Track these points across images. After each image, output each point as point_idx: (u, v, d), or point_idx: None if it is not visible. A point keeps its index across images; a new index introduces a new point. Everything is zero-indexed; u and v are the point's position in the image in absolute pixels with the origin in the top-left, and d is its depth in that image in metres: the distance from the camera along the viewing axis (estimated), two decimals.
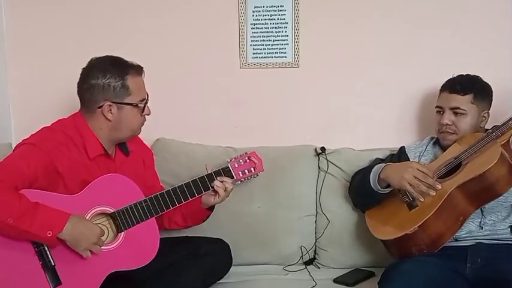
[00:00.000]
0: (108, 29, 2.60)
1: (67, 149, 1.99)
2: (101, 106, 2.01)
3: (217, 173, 2.12)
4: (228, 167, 2.14)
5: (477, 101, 2.19)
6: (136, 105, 2.05)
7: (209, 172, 2.12)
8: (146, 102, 2.09)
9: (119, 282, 1.99)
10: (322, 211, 2.44)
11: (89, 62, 2.05)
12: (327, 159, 2.49)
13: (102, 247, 1.94)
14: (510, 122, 2.06)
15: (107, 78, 1.99)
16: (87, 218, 1.95)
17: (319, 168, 2.50)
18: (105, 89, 2.00)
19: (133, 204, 2.00)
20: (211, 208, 2.21)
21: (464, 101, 2.18)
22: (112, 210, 1.99)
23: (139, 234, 2.00)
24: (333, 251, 2.42)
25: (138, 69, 2.06)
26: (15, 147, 2.01)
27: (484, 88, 2.23)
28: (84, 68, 2.05)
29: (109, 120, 2.03)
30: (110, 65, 2.02)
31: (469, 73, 2.25)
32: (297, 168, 2.49)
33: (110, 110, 2.02)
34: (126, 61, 2.05)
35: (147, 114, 2.11)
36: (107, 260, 1.95)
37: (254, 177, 2.20)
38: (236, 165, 2.15)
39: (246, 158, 2.18)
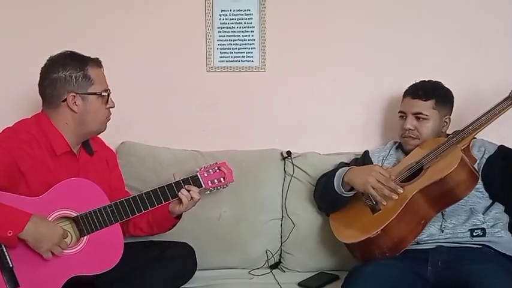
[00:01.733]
0: (73, 31, 2.56)
1: (30, 148, 1.97)
2: (65, 99, 2.00)
3: (186, 181, 2.11)
4: (197, 176, 2.13)
5: (439, 107, 2.23)
6: (100, 94, 2.04)
7: (177, 180, 2.10)
8: (109, 94, 2.08)
9: (81, 287, 1.97)
10: (287, 215, 2.46)
11: (47, 60, 2.05)
12: (292, 163, 2.50)
13: (64, 251, 1.92)
14: (470, 128, 2.10)
15: (68, 70, 1.99)
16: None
17: (285, 172, 2.51)
18: (67, 81, 1.99)
19: (97, 208, 1.98)
20: (178, 216, 2.20)
21: (426, 107, 2.22)
22: (75, 214, 1.96)
23: (103, 239, 1.98)
24: (298, 254, 2.43)
25: (96, 62, 2.07)
26: None
27: (445, 94, 2.27)
28: (43, 67, 2.04)
29: (75, 112, 2.02)
30: (68, 57, 2.03)
31: (432, 79, 2.30)
32: (263, 172, 2.50)
33: (75, 101, 2.01)
34: (84, 55, 2.06)
35: (112, 107, 2.10)
36: (68, 264, 1.93)
37: (224, 187, 2.19)
38: (205, 175, 2.14)
39: (216, 167, 2.17)
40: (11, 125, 2.04)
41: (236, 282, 2.30)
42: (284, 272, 2.44)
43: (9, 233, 1.80)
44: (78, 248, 1.96)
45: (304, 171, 2.49)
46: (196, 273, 2.25)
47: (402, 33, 2.55)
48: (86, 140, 2.13)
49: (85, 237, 1.97)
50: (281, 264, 2.47)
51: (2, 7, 2.56)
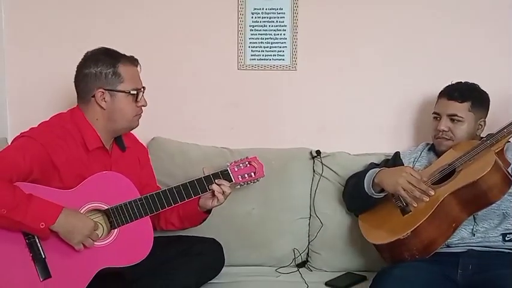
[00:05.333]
0: (106, 26, 2.60)
1: (65, 142, 2.00)
2: (94, 95, 2.03)
3: (216, 176, 2.11)
4: (227, 170, 2.13)
5: (474, 109, 2.20)
6: (128, 93, 2.05)
7: (207, 174, 2.11)
8: (139, 92, 2.08)
9: (109, 279, 1.99)
10: (315, 214, 2.45)
11: (83, 55, 2.08)
12: (322, 162, 2.49)
13: (95, 243, 1.94)
14: (505, 130, 2.08)
15: (99, 66, 2.03)
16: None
17: (314, 171, 2.50)
18: (98, 77, 2.02)
19: (128, 202, 2.00)
20: (208, 211, 2.21)
21: (461, 108, 2.19)
22: (106, 207, 1.99)
23: (133, 233, 2.00)
24: (326, 254, 2.43)
25: (131, 59, 2.08)
26: (12, 140, 2.02)
27: (481, 96, 2.24)
28: (79, 63, 2.08)
29: (103, 108, 2.04)
30: (102, 54, 2.06)
31: (467, 81, 2.27)
32: (291, 170, 2.50)
33: (104, 98, 2.04)
34: (119, 52, 2.09)
35: (143, 106, 2.11)
36: (98, 256, 1.95)
37: (254, 182, 2.18)
38: (236, 169, 2.15)
39: (247, 162, 2.16)
40: (47, 119, 2.08)
41: (263, 280, 2.30)
42: (311, 271, 2.43)
43: (42, 225, 1.83)
44: (108, 240, 1.98)
45: (333, 171, 2.48)
46: (223, 269, 2.27)
47: (435, 34, 2.53)
48: (118, 136, 2.16)
49: (116, 230, 1.99)
50: (308, 263, 2.46)
51: (35, 2, 2.61)
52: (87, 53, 2.08)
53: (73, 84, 2.09)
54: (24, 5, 2.61)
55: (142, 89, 2.10)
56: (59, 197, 1.91)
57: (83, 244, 1.91)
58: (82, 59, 2.08)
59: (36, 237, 1.89)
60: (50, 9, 2.61)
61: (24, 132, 2.01)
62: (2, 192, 1.81)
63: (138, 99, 2.08)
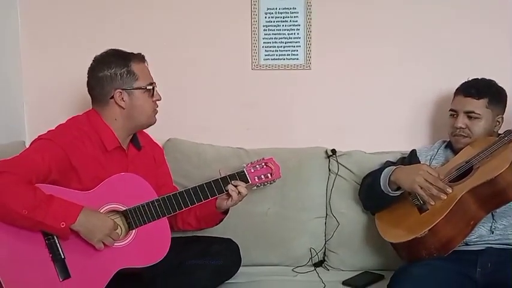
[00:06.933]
0: (121, 29, 2.62)
1: (82, 143, 2.03)
2: (112, 96, 2.07)
3: (232, 177, 2.13)
4: (244, 172, 2.15)
5: (492, 106, 2.18)
6: (145, 89, 2.10)
7: (223, 175, 2.13)
8: (154, 87, 2.13)
9: (127, 280, 2.00)
10: (332, 213, 2.45)
11: (92, 60, 2.11)
12: (337, 161, 2.49)
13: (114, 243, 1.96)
14: None
15: (112, 68, 2.06)
16: None
17: (329, 170, 2.50)
18: (113, 79, 2.06)
19: (145, 203, 2.02)
20: (225, 212, 2.22)
21: (479, 105, 2.17)
22: (124, 208, 2.01)
23: (151, 233, 2.01)
24: (343, 253, 2.43)
25: (139, 57, 2.12)
26: (31, 143, 2.05)
27: (499, 93, 2.23)
28: (89, 67, 2.12)
29: (122, 108, 2.08)
30: (112, 56, 2.10)
31: (481, 77, 2.25)
32: (307, 170, 2.50)
33: (122, 97, 2.08)
34: (127, 51, 2.13)
35: (158, 100, 2.15)
36: (117, 257, 1.97)
37: (270, 183, 2.20)
38: (252, 170, 2.16)
39: (263, 163, 2.18)
40: (64, 122, 2.11)
41: (280, 279, 2.30)
42: (328, 270, 2.43)
43: (62, 224, 1.85)
44: (127, 241, 2.00)
45: (349, 170, 2.47)
46: (240, 269, 2.27)
47: (451, 30, 2.52)
48: (134, 135, 2.18)
49: (134, 231, 2.00)
50: (325, 262, 2.46)
51: (50, 6, 2.64)
52: (96, 57, 2.11)
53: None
54: (40, 8, 2.64)
55: (155, 84, 2.14)
56: (78, 198, 1.93)
57: (103, 243, 1.93)
58: (93, 64, 2.11)
59: (55, 238, 1.91)
60: (66, 13, 2.64)
61: (42, 134, 2.04)
62: (23, 193, 1.83)
63: (154, 93, 2.12)
